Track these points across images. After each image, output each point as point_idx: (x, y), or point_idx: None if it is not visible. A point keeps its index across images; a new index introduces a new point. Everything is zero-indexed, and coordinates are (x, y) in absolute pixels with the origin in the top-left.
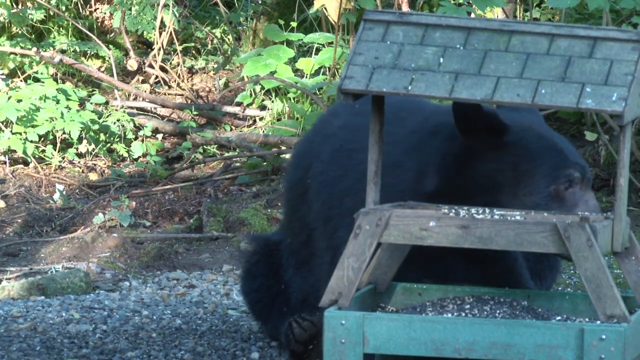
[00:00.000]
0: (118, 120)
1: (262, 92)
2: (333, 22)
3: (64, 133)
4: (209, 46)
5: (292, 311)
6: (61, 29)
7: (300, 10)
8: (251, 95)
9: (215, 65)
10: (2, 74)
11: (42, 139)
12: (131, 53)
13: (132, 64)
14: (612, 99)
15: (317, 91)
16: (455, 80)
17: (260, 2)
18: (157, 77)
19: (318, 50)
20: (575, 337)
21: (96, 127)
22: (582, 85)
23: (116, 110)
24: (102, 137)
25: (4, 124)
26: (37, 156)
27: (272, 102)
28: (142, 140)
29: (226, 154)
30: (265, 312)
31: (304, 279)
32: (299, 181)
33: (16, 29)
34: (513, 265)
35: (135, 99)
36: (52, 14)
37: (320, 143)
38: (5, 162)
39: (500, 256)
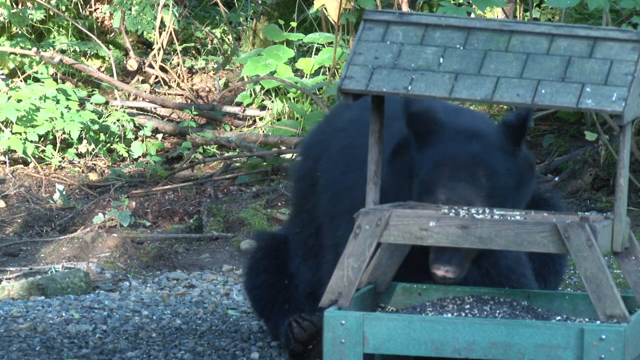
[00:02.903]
0: (118, 120)
1: (262, 92)
2: (333, 22)
3: (63, 133)
4: (209, 46)
5: (294, 307)
6: (61, 29)
7: (300, 10)
8: (251, 95)
9: (215, 65)
10: (2, 74)
11: (42, 139)
12: (131, 53)
13: (132, 64)
14: (612, 99)
15: (317, 91)
16: (455, 80)
17: (260, 2)
18: (157, 77)
19: (318, 50)
20: (575, 337)
21: (96, 127)
22: (582, 85)
23: (116, 110)
24: (102, 137)
25: (4, 124)
26: (37, 156)
27: (272, 102)
28: (142, 140)
29: (226, 154)
30: (268, 309)
31: (312, 272)
32: (308, 172)
33: (16, 29)
34: (516, 267)
35: (135, 99)
36: (52, 14)
37: (330, 135)
38: (5, 162)
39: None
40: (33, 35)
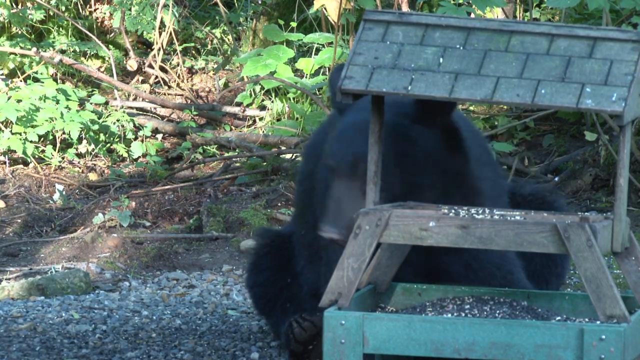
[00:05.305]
0: (118, 120)
1: (262, 92)
2: (333, 22)
3: (63, 133)
4: (209, 46)
5: (296, 307)
6: (61, 29)
7: (300, 10)
8: (251, 95)
9: (215, 66)
10: (2, 74)
11: (42, 139)
12: (131, 53)
13: (132, 64)
14: (612, 99)
15: (317, 91)
16: (455, 80)
17: (260, 2)
18: (156, 77)
19: (318, 50)
20: (575, 337)
21: (96, 127)
22: (582, 86)
23: (116, 110)
24: (102, 137)
25: (4, 124)
26: (36, 156)
27: (272, 102)
28: (142, 141)
29: (226, 154)
30: (269, 308)
31: (318, 274)
32: (310, 173)
33: (16, 29)
34: (510, 273)
35: (135, 99)
36: (52, 14)
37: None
38: (5, 162)
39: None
40: (33, 35)
